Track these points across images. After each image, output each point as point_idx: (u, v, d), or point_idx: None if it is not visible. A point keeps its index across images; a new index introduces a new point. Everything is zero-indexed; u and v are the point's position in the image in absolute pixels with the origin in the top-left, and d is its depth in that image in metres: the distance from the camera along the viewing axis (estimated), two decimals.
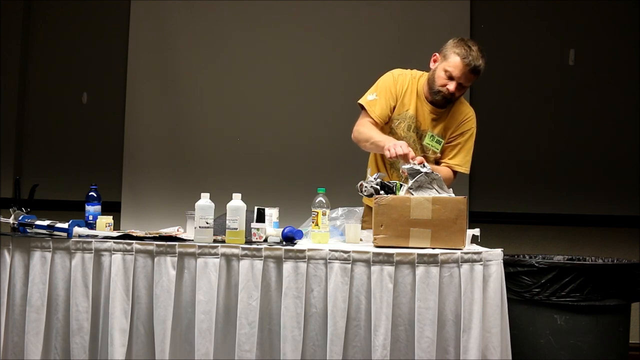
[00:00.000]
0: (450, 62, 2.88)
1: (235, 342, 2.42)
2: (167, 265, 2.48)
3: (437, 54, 2.98)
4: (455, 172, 3.07)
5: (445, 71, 2.89)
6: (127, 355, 2.47)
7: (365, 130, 2.95)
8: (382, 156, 3.03)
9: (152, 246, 2.51)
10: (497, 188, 4.73)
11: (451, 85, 2.88)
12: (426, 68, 3.07)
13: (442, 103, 2.97)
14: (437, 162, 3.09)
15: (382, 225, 2.50)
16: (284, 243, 2.55)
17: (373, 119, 2.97)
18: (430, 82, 2.96)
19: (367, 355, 2.39)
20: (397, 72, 3.06)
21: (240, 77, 4.83)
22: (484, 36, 4.75)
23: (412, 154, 2.72)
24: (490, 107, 4.75)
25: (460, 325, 2.37)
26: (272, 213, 2.63)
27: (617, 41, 4.73)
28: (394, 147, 2.73)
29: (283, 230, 2.58)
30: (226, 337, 2.46)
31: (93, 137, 5.00)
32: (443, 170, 2.99)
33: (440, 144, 3.02)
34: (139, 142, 4.85)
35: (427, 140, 3.02)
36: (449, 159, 3.05)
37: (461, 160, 3.04)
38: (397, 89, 3.00)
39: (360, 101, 3.03)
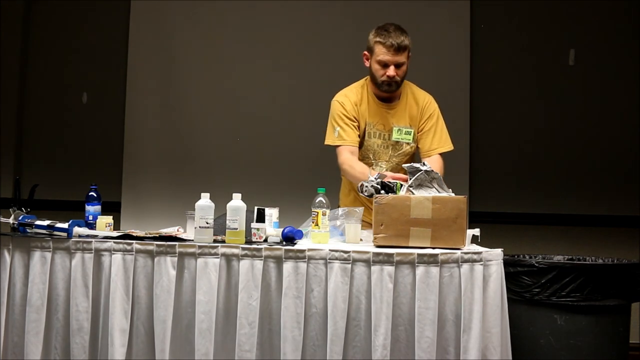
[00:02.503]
0: (377, 52, 3.00)
1: (235, 342, 2.42)
2: (167, 265, 2.48)
3: (366, 52, 3.07)
4: (441, 155, 3.11)
5: (378, 62, 3.00)
6: (127, 355, 2.47)
7: (345, 166, 3.01)
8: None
9: (152, 246, 2.51)
10: (497, 188, 4.73)
11: (390, 71, 2.98)
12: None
13: (393, 89, 3.04)
14: (416, 156, 3.14)
15: (382, 225, 2.50)
16: (284, 243, 2.55)
17: (349, 145, 3.03)
18: (373, 79, 3.07)
19: (367, 355, 2.39)
20: (339, 97, 3.11)
21: (240, 77, 4.83)
22: (484, 36, 4.75)
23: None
24: (490, 107, 4.75)
25: (460, 325, 2.37)
26: (272, 213, 2.63)
27: (617, 41, 4.73)
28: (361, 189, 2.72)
29: (283, 230, 2.58)
30: (226, 337, 2.46)
31: (93, 137, 4.99)
32: (433, 165, 3.02)
33: (410, 134, 3.08)
34: (139, 142, 4.85)
35: (395, 136, 3.08)
36: (429, 147, 3.09)
37: (439, 142, 3.09)
38: (349, 110, 3.06)
39: (327, 143, 3.09)
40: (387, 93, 3.06)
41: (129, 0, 4.88)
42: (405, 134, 3.07)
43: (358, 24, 4.73)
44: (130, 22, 4.88)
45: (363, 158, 3.10)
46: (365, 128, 3.08)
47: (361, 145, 3.09)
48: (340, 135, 3.04)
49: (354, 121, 3.06)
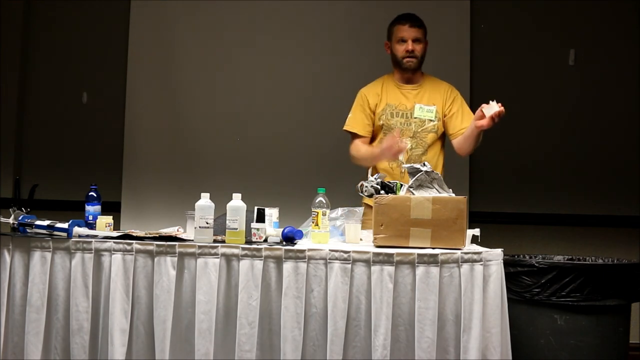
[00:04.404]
0: (396, 33, 3.21)
1: (235, 342, 2.42)
2: (167, 265, 2.48)
3: (386, 42, 3.27)
4: None
5: (398, 41, 3.20)
6: (127, 355, 2.47)
7: (355, 150, 3.22)
8: None
9: (152, 246, 2.51)
10: (497, 188, 4.73)
11: (409, 46, 3.17)
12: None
13: (413, 65, 3.19)
14: (441, 140, 3.25)
15: (382, 225, 2.50)
16: (284, 243, 2.55)
17: (357, 133, 3.22)
18: (396, 60, 3.22)
19: (367, 355, 2.39)
20: (364, 89, 3.30)
21: (241, 77, 4.83)
22: (484, 36, 4.75)
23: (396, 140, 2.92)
24: None
25: (460, 325, 2.38)
26: (272, 213, 2.63)
27: (617, 41, 4.73)
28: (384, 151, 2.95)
29: (283, 230, 2.58)
30: (226, 337, 2.47)
31: (93, 137, 4.99)
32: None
33: (432, 112, 3.20)
34: (139, 142, 4.84)
35: (416, 113, 3.19)
36: (460, 126, 3.20)
37: (468, 121, 3.17)
38: (369, 100, 3.22)
39: (344, 127, 3.28)
40: (409, 70, 3.19)
41: (129, 0, 4.88)
42: (427, 111, 3.19)
43: (359, 24, 4.75)
44: (130, 22, 4.87)
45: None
46: (386, 109, 3.19)
47: (381, 127, 3.20)
48: (351, 122, 3.24)
49: (369, 110, 3.20)
